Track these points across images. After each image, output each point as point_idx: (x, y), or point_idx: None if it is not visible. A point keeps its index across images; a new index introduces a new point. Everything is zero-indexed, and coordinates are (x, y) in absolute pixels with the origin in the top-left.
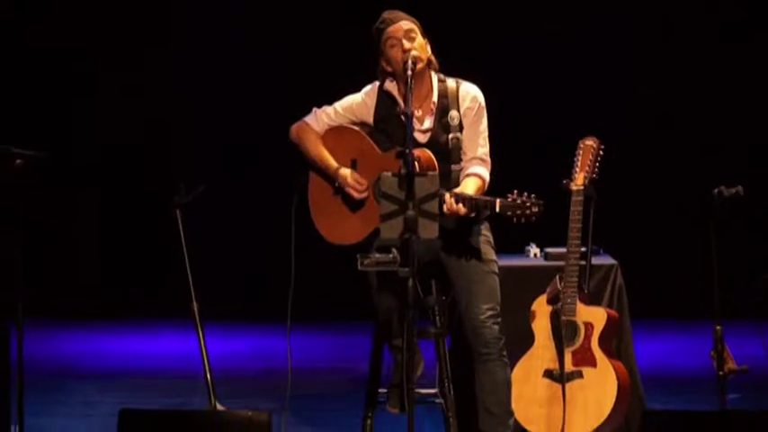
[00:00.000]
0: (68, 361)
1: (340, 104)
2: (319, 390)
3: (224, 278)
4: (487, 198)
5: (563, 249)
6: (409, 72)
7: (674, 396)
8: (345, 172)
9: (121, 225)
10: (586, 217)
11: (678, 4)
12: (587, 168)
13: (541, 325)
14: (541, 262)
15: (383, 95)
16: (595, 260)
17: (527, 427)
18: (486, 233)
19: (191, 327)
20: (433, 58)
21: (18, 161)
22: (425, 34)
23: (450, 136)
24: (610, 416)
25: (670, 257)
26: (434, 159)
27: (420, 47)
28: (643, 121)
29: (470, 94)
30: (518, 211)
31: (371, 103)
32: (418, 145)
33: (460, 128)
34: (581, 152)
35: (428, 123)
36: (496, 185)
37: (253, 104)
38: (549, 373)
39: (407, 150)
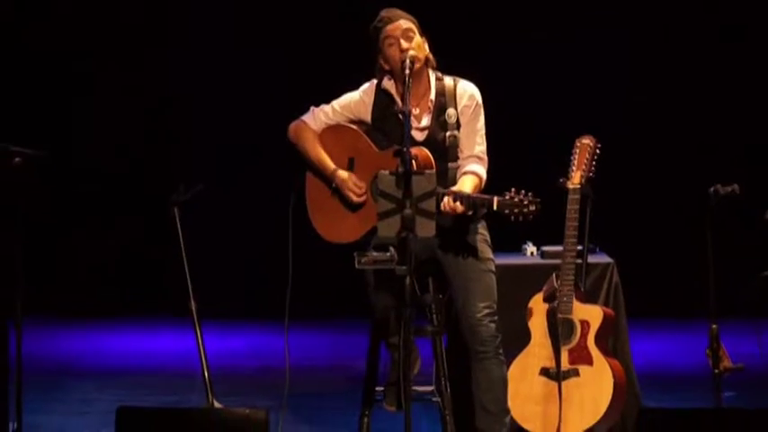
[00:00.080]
0: (67, 358)
1: (337, 103)
2: (317, 388)
3: (222, 277)
4: (485, 196)
5: (559, 248)
6: (407, 71)
7: (669, 394)
8: (344, 174)
9: (121, 224)
10: (583, 215)
11: (676, 4)
12: (584, 167)
13: (538, 323)
14: (538, 260)
15: (381, 94)
16: (592, 258)
17: (523, 425)
18: (483, 231)
19: (189, 325)
20: (430, 56)
21: (17, 159)
22: (423, 32)
23: (448, 134)
24: (606, 414)
25: (666, 256)
26: (432, 158)
27: (418, 45)
28: (639, 120)
29: (468, 92)
30: (515, 210)
31: (369, 101)
32: (415, 143)
33: (458, 126)
34: (578, 151)
35: (425, 121)
36: (493, 183)
37: (251, 104)
38: (545, 371)
39: (405, 149)
